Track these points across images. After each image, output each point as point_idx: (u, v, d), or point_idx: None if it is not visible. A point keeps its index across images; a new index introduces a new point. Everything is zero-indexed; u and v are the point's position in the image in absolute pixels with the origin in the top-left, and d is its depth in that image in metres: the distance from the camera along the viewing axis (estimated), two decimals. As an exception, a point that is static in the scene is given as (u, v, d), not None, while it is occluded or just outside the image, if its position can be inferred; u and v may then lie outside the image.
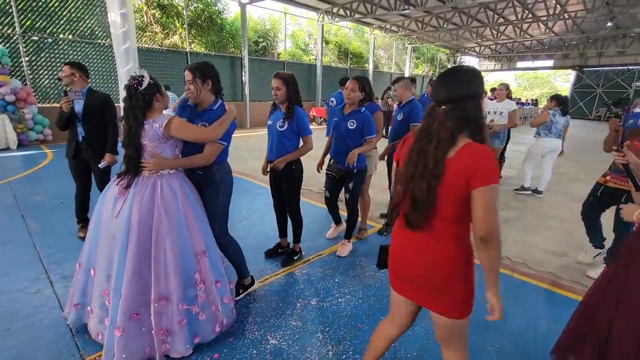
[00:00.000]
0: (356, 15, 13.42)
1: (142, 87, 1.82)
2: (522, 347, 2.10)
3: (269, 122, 2.77)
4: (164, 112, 1.95)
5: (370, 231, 3.73)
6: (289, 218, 2.97)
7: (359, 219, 3.61)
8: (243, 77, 12.29)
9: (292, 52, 16.66)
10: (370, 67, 17.92)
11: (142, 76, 1.84)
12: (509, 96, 5.30)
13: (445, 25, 15.68)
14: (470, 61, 27.58)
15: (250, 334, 2.13)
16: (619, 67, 21.57)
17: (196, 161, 2.00)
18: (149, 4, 11.25)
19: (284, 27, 14.72)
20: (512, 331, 2.23)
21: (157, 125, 1.83)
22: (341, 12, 13.70)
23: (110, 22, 8.41)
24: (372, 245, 3.44)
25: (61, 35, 8.40)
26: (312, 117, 14.13)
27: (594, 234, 3.19)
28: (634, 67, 20.94)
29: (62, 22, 8.36)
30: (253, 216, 4.00)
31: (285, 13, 14.14)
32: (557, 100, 5.05)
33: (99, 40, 8.94)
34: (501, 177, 6.24)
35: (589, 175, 6.84)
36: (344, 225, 3.40)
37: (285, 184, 2.80)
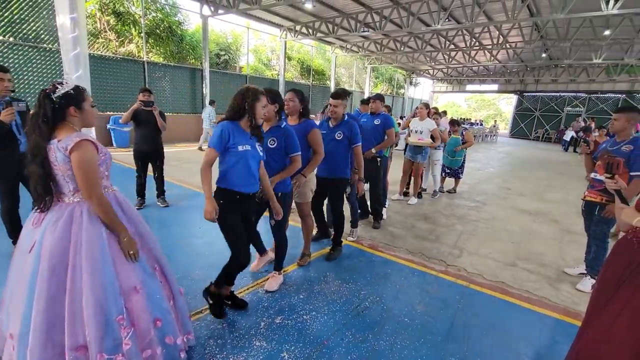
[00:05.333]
0: (318, 35, 13.79)
1: (55, 95, 1.54)
2: (482, 356, 2.19)
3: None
4: (83, 130, 1.67)
5: (317, 253, 3.72)
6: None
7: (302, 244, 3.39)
8: (204, 90, 12.03)
9: (254, 67, 16.63)
10: (332, 84, 18.39)
11: (61, 82, 1.58)
12: (429, 115, 5.63)
13: (402, 48, 16.59)
14: (424, 82, 29.26)
15: (211, 357, 2.01)
16: (553, 94, 24.00)
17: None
18: (103, 10, 10.73)
19: (246, 41, 14.71)
20: (471, 340, 2.32)
21: (63, 147, 1.52)
22: (304, 30, 14.01)
23: (58, 26, 7.92)
24: (338, 261, 3.43)
25: (0, 37, 7.72)
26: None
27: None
28: (564, 93, 23.43)
29: (2, 23, 7.70)
30: (214, 232, 3.85)
31: (248, 28, 14.16)
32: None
33: (45, 45, 8.33)
34: (455, 191, 6.62)
35: (531, 190, 7.46)
36: (270, 255, 3.13)
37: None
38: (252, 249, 2.92)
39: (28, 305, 1.52)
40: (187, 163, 8.08)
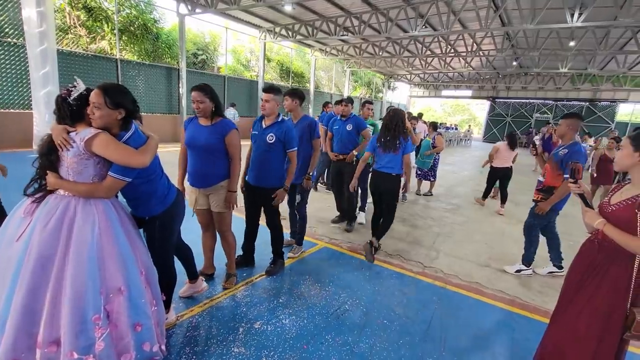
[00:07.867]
0: (298, 37, 13.79)
1: (71, 97, 1.67)
2: (458, 355, 2.24)
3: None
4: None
5: (300, 256, 3.71)
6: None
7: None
8: (180, 90, 11.76)
9: (232, 67, 16.42)
10: (312, 87, 18.43)
11: (74, 86, 1.70)
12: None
13: (380, 53, 16.86)
14: (402, 87, 29.85)
15: (187, 366, 1.95)
16: (523, 100, 25.12)
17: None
18: (73, 4, 10.28)
19: (224, 41, 14.50)
20: (447, 340, 2.37)
21: (79, 138, 1.62)
22: (283, 32, 13.97)
23: (24, 20, 7.53)
24: (316, 264, 3.43)
25: (-41, 29, 7.25)
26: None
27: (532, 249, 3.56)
28: (533, 100, 24.59)
29: (-39, 14, 7.24)
30: (190, 236, 3.74)
31: (226, 28, 13.97)
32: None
33: (9, 39, 7.89)
34: (432, 194, 6.77)
35: (504, 193, 7.72)
36: (201, 284, 2.69)
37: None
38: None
39: (10, 295, 1.49)
40: (164, 164, 7.84)
